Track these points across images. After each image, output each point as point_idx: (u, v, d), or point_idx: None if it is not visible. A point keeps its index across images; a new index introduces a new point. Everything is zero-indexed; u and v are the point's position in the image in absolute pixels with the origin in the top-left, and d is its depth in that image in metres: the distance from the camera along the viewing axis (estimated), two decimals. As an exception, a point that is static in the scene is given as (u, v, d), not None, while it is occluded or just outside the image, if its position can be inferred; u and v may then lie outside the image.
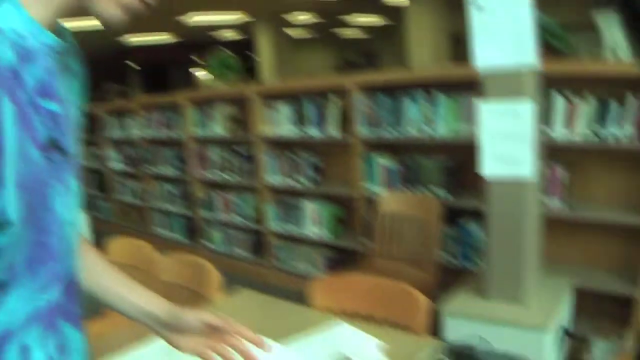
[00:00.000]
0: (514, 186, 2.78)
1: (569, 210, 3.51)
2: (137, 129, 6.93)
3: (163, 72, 16.31)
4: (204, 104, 5.84)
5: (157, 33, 12.51)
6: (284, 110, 5.04)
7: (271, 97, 5.19)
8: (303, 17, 12.76)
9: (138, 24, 9.79)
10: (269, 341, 1.35)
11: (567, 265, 3.67)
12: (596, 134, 3.31)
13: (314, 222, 5.01)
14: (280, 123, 5.10)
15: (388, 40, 15.91)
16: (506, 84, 2.72)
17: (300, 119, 4.92)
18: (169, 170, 6.47)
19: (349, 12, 13.32)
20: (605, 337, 3.40)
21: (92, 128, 7.78)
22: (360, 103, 4.42)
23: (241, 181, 5.57)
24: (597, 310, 3.62)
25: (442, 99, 3.99)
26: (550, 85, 3.37)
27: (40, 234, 0.99)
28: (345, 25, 15.54)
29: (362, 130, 4.45)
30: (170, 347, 1.78)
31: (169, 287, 2.81)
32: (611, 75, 3.30)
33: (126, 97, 8.08)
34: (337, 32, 17.39)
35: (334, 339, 2.04)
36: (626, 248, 3.53)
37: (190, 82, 13.55)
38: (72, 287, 1.13)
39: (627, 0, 2.27)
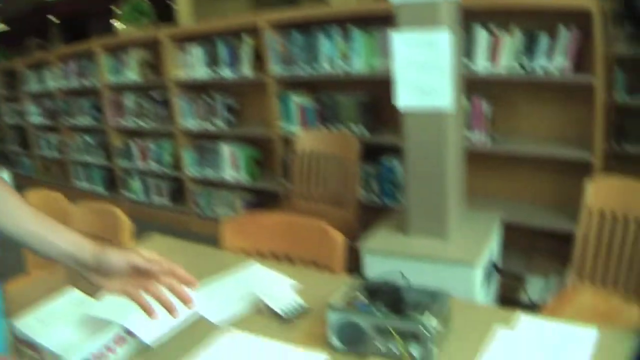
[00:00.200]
0: (432, 118, 2.67)
1: (493, 144, 3.45)
2: (54, 81, 6.57)
3: (82, 24, 15.61)
4: (118, 50, 5.55)
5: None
6: (197, 53, 4.80)
7: (184, 40, 4.94)
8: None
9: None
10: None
11: (497, 200, 3.64)
12: (523, 67, 3.23)
13: (231, 165, 4.85)
14: (193, 66, 4.87)
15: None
16: (421, 14, 2.58)
17: (213, 61, 4.70)
18: (86, 121, 6.17)
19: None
20: (542, 274, 3.38)
21: (12, 84, 7.48)
22: (273, 41, 4.23)
23: (157, 127, 5.34)
24: (531, 247, 3.61)
25: (357, 34, 3.84)
26: (475, 19, 3.28)
27: None
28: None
29: (276, 68, 4.28)
30: (84, 297, 1.68)
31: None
32: (541, 7, 3.21)
33: (45, 50, 7.70)
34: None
35: (247, 281, 1.91)
36: (559, 182, 3.51)
37: (110, 32, 13.03)
38: None
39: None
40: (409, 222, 2.84)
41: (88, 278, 1.30)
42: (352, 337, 1.47)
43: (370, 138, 3.94)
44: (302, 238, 2.10)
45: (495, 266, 3.00)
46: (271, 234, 2.19)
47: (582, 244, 2.42)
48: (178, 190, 5.48)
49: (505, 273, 3.28)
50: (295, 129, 4.29)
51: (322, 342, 1.53)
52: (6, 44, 9.26)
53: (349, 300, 1.52)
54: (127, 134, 5.78)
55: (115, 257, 1.27)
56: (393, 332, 1.20)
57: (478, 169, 3.59)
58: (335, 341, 1.49)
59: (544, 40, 3.16)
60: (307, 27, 4.07)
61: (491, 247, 2.86)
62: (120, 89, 5.63)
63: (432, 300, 1.50)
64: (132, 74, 5.42)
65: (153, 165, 5.53)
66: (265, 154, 4.77)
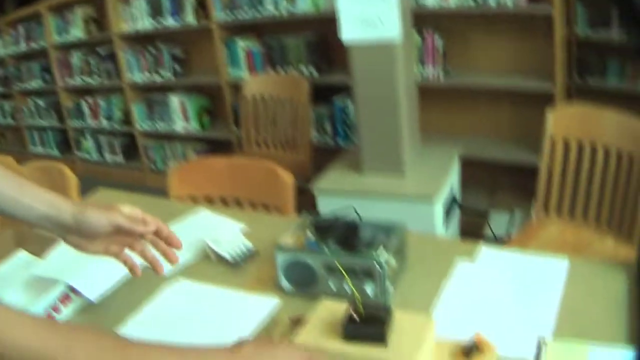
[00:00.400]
0: (380, 51, 2.55)
1: (446, 79, 3.35)
2: (4, 48, 6.25)
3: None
4: (64, 9, 5.26)
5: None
6: (140, 4, 4.58)
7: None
8: None
9: None
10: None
11: (455, 136, 3.53)
12: (475, 0, 3.10)
13: (182, 116, 4.69)
14: (137, 18, 4.65)
15: None
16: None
17: (156, 11, 4.49)
18: (37, 84, 5.91)
19: None
20: (506, 210, 3.31)
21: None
22: (216, -15, 4.04)
23: (105, 83, 5.14)
24: (495, 183, 3.54)
25: (299, -28, 3.67)
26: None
27: None
28: None
29: (220, 14, 4.09)
30: (31, 258, 1.59)
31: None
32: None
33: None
34: None
35: (195, 228, 1.80)
36: (519, 115, 3.42)
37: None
38: None
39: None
40: (363, 161, 2.74)
41: (68, 240, 1.19)
42: (302, 278, 1.37)
43: (321, 79, 3.82)
44: (250, 181, 1.99)
45: (455, 201, 2.92)
46: (219, 179, 2.07)
47: (546, 175, 2.29)
48: (131, 146, 5.31)
49: (467, 210, 3.20)
50: (244, 74, 4.14)
51: (273, 286, 1.43)
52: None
53: (297, 240, 1.42)
54: (76, 93, 5.55)
55: (96, 217, 1.15)
56: (341, 269, 1.10)
57: (433, 105, 3.50)
58: (285, 283, 1.39)
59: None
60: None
61: (451, 183, 2.78)
62: (67, 48, 5.38)
63: (387, 234, 1.40)
64: (77, 32, 5.17)
65: (104, 123, 5.34)
66: (215, 102, 4.63)
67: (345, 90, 3.63)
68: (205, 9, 4.17)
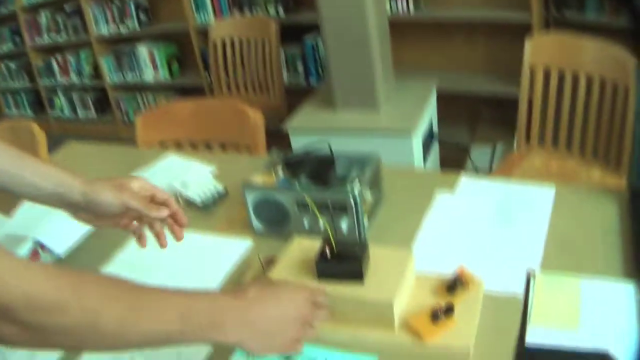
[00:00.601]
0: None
1: (417, 12, 3.22)
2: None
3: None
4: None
5: None
6: (99, -47, 4.37)
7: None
8: None
9: None
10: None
11: (432, 71, 3.40)
12: None
13: (151, 66, 4.53)
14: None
15: None
16: None
17: (117, -41, 4.28)
18: (7, 48, 5.70)
19: None
20: (488, 143, 3.22)
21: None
22: None
23: (73, 39, 4.95)
24: (475, 117, 3.44)
25: None
26: None
27: None
28: None
29: (181, -43, 3.90)
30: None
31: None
32: None
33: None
34: None
35: (164, 173, 1.71)
36: (496, 47, 3.29)
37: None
38: None
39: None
40: (336, 97, 2.63)
41: (76, 217, 1.11)
42: (273, 217, 1.29)
43: (289, 18, 3.68)
44: (219, 122, 1.89)
45: (434, 135, 2.83)
46: (187, 123, 1.97)
47: (526, 105, 2.18)
48: (102, 100, 5.16)
49: (447, 144, 3.12)
50: (210, 19, 3.98)
51: (245, 227, 1.35)
52: None
53: (268, 178, 1.33)
54: (46, 52, 5.36)
55: (108, 199, 1.06)
56: (311, 204, 1.01)
57: (406, 40, 3.38)
58: (257, 223, 1.31)
59: None
60: None
61: (429, 116, 2.69)
62: (35, 8, 5.17)
63: (361, 167, 1.31)
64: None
65: (75, 79, 5.18)
66: (183, 49, 4.48)
67: (315, 28, 3.48)
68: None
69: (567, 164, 2.15)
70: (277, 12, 3.71)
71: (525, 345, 0.96)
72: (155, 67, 4.51)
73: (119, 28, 4.55)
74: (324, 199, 1.21)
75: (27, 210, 1.49)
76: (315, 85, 3.74)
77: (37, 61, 5.38)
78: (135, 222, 1.14)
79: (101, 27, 4.65)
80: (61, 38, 5.02)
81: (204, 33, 3.94)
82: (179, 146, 1.98)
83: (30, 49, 5.33)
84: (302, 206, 1.24)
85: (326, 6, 2.47)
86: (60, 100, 5.49)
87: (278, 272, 1.06)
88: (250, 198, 1.28)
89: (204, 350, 1.04)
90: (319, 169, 1.32)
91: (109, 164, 1.92)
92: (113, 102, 4.97)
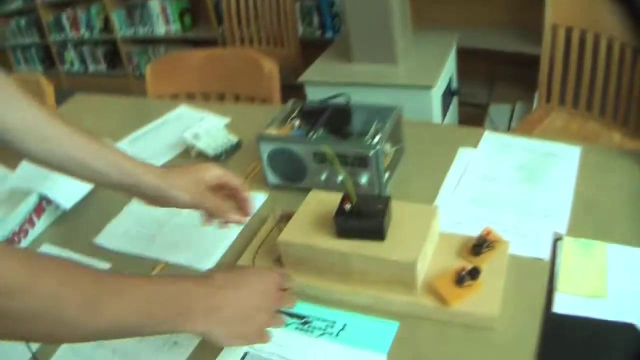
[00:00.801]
0: None
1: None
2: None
3: None
4: None
5: None
6: None
7: None
8: None
9: None
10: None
11: (451, 27, 3.25)
12: None
13: (162, 19, 4.43)
14: None
15: None
16: None
17: None
18: (17, 4, 5.59)
19: None
20: (507, 102, 3.11)
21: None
22: None
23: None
24: (494, 75, 3.32)
25: None
26: None
27: None
28: None
29: None
30: (4, 171, 1.46)
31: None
32: None
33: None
34: None
35: (175, 124, 1.65)
36: (514, 5, 3.15)
37: None
38: None
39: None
40: (353, 50, 2.52)
41: (145, 203, 1.02)
42: (289, 169, 1.21)
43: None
44: (233, 72, 1.80)
45: (453, 91, 2.73)
46: (199, 73, 1.88)
47: (547, 65, 2.11)
48: (113, 54, 5.07)
49: (466, 101, 3.02)
50: (224, -31, 3.83)
51: (259, 180, 1.28)
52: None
53: (284, 129, 1.25)
54: (56, 7, 5.27)
55: (185, 199, 0.98)
56: (331, 157, 0.93)
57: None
58: (272, 176, 1.23)
59: None
60: None
61: (448, 72, 2.58)
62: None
63: (381, 119, 1.22)
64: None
65: (85, 34, 5.10)
66: (196, 1, 4.36)
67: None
68: None
69: (588, 125, 2.08)
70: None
71: (552, 313, 0.90)
72: (167, 20, 4.41)
73: (130, -19, 4.43)
74: (343, 152, 1.13)
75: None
76: (331, 37, 3.63)
77: (47, 17, 5.30)
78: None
79: (112, -21, 4.52)
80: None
81: (217, -16, 3.84)
82: (190, 98, 1.90)
83: (40, 5, 5.25)
84: (320, 159, 1.16)
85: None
86: (71, 55, 5.42)
87: (293, 228, 0.99)
88: (265, 150, 1.20)
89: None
90: (338, 121, 1.25)
91: (118, 116, 1.85)
92: (124, 56, 4.88)
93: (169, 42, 4.62)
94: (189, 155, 1.48)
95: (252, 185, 1.28)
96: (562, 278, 0.95)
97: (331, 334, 0.92)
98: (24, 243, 1.26)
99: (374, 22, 2.39)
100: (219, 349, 0.90)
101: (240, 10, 3.46)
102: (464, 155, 1.30)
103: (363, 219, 0.92)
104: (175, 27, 4.43)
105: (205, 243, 1.15)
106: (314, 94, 2.48)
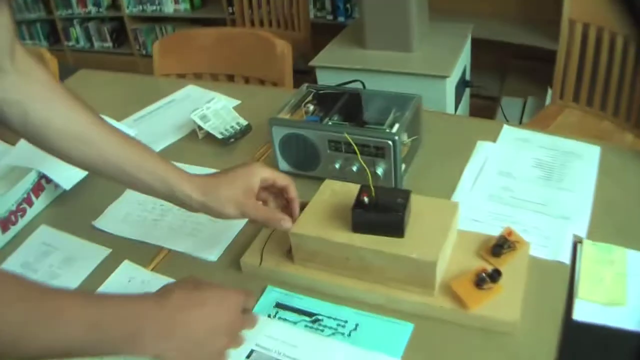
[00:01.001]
0: None
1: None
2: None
3: None
4: None
5: None
6: None
7: None
8: None
9: None
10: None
11: (463, 16, 3.18)
12: None
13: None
14: None
15: None
16: None
17: None
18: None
19: None
20: (519, 96, 3.05)
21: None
22: None
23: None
24: (506, 68, 3.26)
25: None
26: None
27: None
28: None
29: None
30: (3, 146, 1.42)
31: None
32: None
33: None
34: None
35: (182, 104, 1.60)
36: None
37: None
38: None
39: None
40: (367, 35, 2.45)
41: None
42: (302, 156, 1.15)
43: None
44: (243, 52, 1.74)
45: (467, 82, 2.66)
46: (209, 52, 1.82)
47: (564, 60, 2.06)
48: (120, 32, 4.99)
49: (478, 95, 2.95)
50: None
51: (270, 165, 1.21)
52: None
53: (296, 113, 1.19)
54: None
55: (230, 213, 0.91)
56: (352, 143, 0.87)
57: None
58: (283, 163, 1.17)
59: None
60: None
61: (463, 63, 2.51)
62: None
63: (400, 108, 1.16)
64: None
65: (92, 9, 5.03)
66: (207, -20, 4.29)
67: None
68: None
69: (602, 124, 2.04)
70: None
71: (573, 320, 0.85)
72: (176, -2, 4.32)
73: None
74: (359, 141, 1.07)
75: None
76: (343, 22, 3.56)
77: (54, -9, 5.22)
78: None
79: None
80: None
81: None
82: (198, 79, 1.84)
83: (48, -21, 5.16)
84: (335, 146, 1.10)
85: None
86: (76, 31, 5.33)
87: (306, 220, 0.93)
88: (278, 135, 1.14)
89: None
90: (353, 107, 1.19)
91: (123, 93, 1.78)
92: (130, 33, 4.81)
93: (176, 21, 4.55)
94: (197, 137, 1.42)
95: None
96: (582, 284, 0.90)
97: (342, 334, 0.86)
98: (21, 223, 1.20)
99: (391, 9, 2.32)
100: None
101: (251, -9, 3.40)
102: (483, 149, 1.25)
103: (382, 213, 0.86)
104: (184, 6, 4.36)
105: (211, 231, 1.09)
106: (325, 79, 2.42)
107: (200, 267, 1.03)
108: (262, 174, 0.94)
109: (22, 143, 1.32)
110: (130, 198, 1.22)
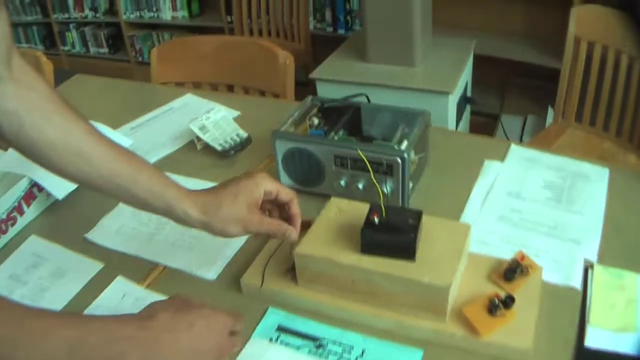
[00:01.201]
0: None
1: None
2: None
3: None
4: None
5: None
6: None
7: None
8: None
9: None
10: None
11: (466, 32, 3.17)
12: None
13: (169, 4, 4.34)
14: None
15: None
16: None
17: None
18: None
19: None
20: (519, 114, 3.02)
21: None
22: None
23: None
24: (506, 85, 3.24)
25: None
26: None
27: None
28: None
29: None
30: None
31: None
32: None
33: None
34: None
35: (180, 114, 1.55)
36: (535, 14, 3.07)
37: None
38: None
39: None
40: (369, 49, 2.41)
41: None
42: (305, 171, 1.11)
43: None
44: (244, 62, 1.70)
45: (469, 99, 2.63)
46: (208, 61, 1.78)
47: (568, 79, 2.02)
48: (116, 38, 4.98)
49: (478, 112, 2.93)
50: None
51: (270, 180, 1.17)
52: None
53: (300, 126, 1.15)
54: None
55: (232, 232, 0.87)
56: (363, 159, 0.83)
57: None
58: (285, 178, 1.13)
59: None
60: None
61: (465, 79, 2.48)
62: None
63: (407, 124, 1.13)
64: None
65: (89, 14, 4.99)
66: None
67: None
68: None
69: (604, 144, 2.01)
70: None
71: (585, 347, 0.83)
72: (174, 5, 4.32)
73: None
74: (366, 156, 1.03)
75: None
76: (343, 35, 3.54)
77: (51, -5, 5.20)
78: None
79: (119, -39, 4.43)
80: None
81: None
82: (197, 88, 1.80)
83: (45, -18, 5.14)
84: (340, 162, 1.06)
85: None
86: (72, 36, 5.30)
87: (313, 238, 0.89)
88: (281, 149, 1.10)
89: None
90: (359, 122, 1.15)
91: (119, 100, 1.74)
92: (127, 39, 4.78)
93: (174, 28, 4.52)
94: (195, 148, 1.38)
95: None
96: (593, 310, 0.88)
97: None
98: (11, 232, 1.15)
99: (394, 22, 2.29)
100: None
101: (251, 0, 3.36)
102: (491, 169, 1.21)
103: (392, 234, 0.82)
104: (182, 14, 4.34)
105: (210, 247, 1.05)
106: (325, 92, 2.38)
107: (198, 285, 0.99)
108: (266, 186, 0.89)
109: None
110: (125, 210, 1.18)
